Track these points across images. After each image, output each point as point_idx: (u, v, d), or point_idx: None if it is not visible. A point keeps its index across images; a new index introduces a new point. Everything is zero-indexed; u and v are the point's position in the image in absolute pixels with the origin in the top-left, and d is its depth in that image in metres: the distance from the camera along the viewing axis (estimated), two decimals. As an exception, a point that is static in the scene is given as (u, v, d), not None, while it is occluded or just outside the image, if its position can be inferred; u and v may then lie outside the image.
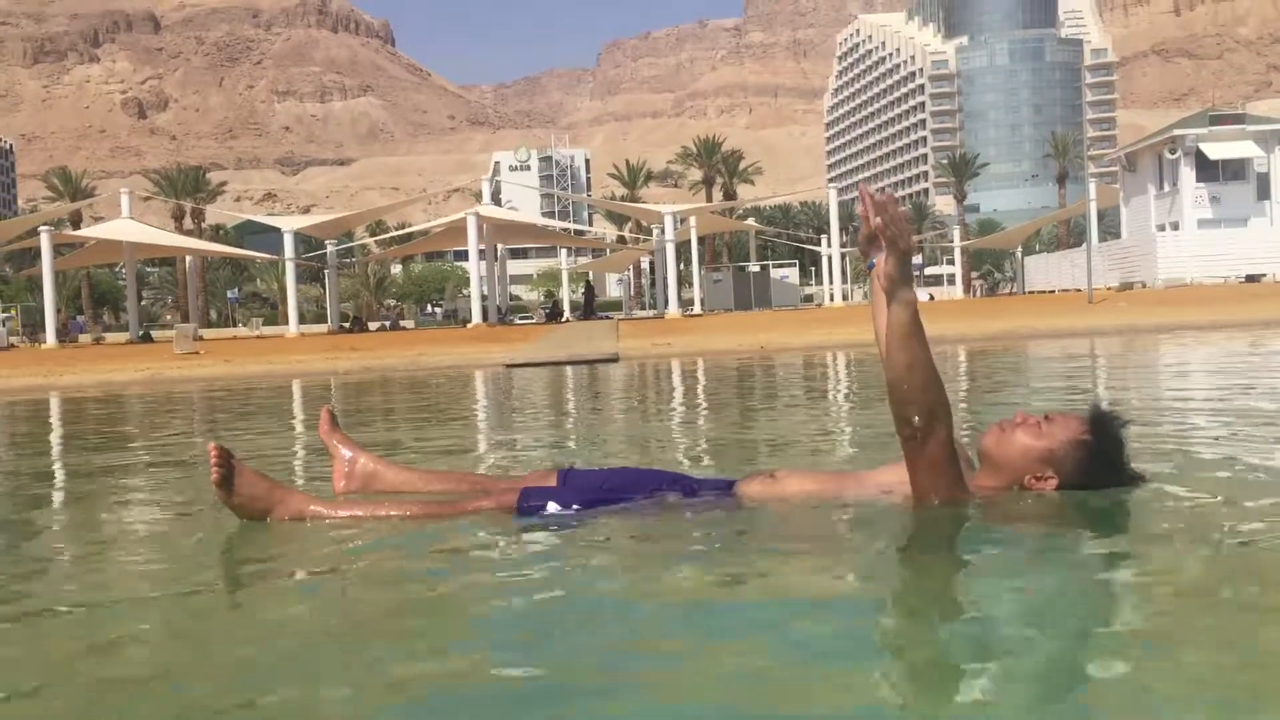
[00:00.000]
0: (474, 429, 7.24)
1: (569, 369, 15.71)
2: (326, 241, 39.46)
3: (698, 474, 3.59)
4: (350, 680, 1.89)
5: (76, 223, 59.73)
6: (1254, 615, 2.07)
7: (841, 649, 1.94)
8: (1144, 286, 37.53)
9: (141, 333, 37.62)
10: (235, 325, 69.46)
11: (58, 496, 4.68)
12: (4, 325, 44.22)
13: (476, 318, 33.44)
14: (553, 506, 3.13)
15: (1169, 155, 42.21)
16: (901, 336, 2.74)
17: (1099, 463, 2.97)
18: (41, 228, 32.24)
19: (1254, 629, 1.98)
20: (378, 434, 6.92)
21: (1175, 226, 41.65)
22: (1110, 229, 56.99)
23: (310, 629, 2.27)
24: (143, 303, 72.47)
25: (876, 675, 1.81)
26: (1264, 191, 41.43)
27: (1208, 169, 41.34)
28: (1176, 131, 42.69)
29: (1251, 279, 36.73)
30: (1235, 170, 41.61)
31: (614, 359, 18.09)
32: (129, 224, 35.11)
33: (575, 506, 3.13)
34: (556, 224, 58.69)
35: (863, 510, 2.96)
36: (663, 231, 37.67)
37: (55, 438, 8.41)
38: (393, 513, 3.20)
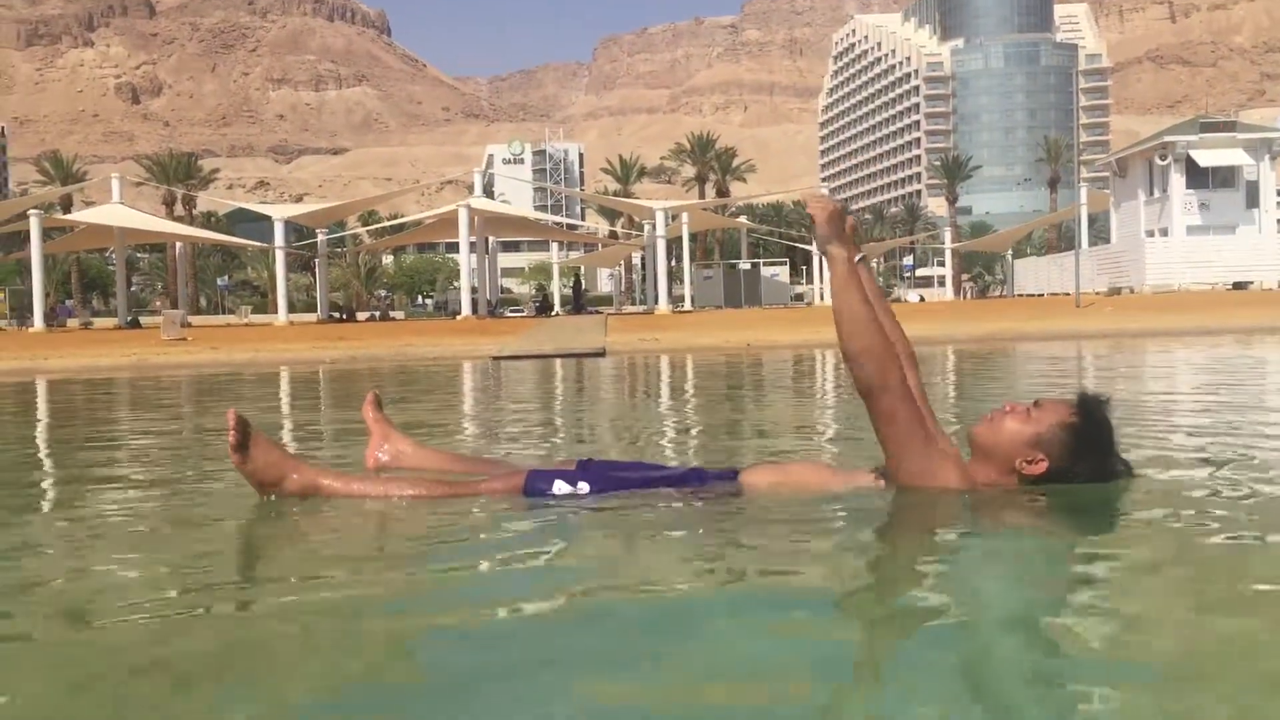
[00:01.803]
0: (461, 418, 7.26)
1: (556, 362, 15.74)
2: (318, 230, 39.47)
3: (692, 463, 3.64)
4: (309, 670, 1.92)
5: (67, 207, 59.51)
6: (1228, 609, 2.11)
7: (809, 647, 1.95)
8: (1132, 292, 37.69)
9: (130, 318, 37.58)
10: (225, 313, 69.31)
11: (38, 481, 4.69)
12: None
13: (466, 310, 33.46)
14: (559, 484, 3.19)
15: (1159, 161, 42.41)
16: (836, 288, 3.01)
17: (1086, 443, 2.99)
18: (31, 211, 32.16)
19: (1225, 624, 2.02)
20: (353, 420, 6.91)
21: (1164, 232, 41.83)
22: (1100, 234, 57.18)
23: (282, 613, 2.30)
24: (132, 289, 72.32)
25: (837, 676, 1.80)
26: (1253, 199, 41.64)
27: (1198, 176, 41.53)
28: (1167, 138, 42.87)
29: (1239, 286, 36.93)
30: (1225, 178, 41.82)
31: (600, 353, 18.12)
32: (119, 209, 35.06)
33: (582, 484, 3.19)
34: (549, 218, 58.68)
35: (858, 503, 2.99)
36: (654, 227, 37.69)
37: (40, 420, 8.41)
38: (399, 491, 3.25)
